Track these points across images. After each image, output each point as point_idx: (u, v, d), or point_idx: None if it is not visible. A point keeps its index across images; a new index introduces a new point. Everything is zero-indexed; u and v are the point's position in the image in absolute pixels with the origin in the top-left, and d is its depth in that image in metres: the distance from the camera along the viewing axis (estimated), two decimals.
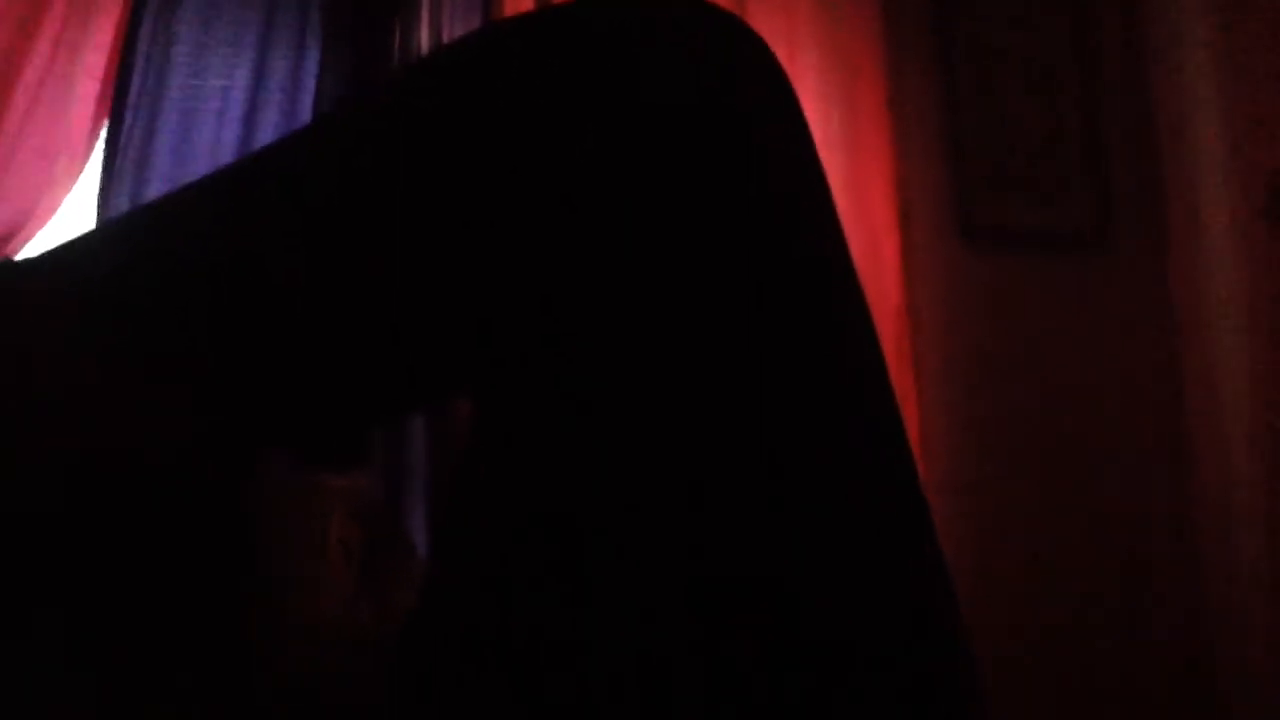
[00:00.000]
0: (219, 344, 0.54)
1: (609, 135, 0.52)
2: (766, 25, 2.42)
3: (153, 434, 0.53)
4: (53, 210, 2.27)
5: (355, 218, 0.54)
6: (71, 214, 2.33)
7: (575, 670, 0.45)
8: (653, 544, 0.46)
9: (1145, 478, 2.33)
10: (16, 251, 2.21)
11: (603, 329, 0.49)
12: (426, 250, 0.53)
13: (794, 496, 0.48)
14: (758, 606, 0.46)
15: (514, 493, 0.50)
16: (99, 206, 2.24)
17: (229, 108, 2.34)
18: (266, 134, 2.33)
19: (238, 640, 0.57)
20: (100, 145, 2.30)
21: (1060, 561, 2.29)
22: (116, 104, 2.30)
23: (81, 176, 2.30)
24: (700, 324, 0.50)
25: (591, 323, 0.50)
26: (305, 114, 2.34)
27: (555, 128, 0.52)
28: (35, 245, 2.25)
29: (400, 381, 0.59)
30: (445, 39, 2.39)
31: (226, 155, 2.30)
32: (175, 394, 0.53)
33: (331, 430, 0.64)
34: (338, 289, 0.54)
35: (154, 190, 2.25)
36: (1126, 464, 2.34)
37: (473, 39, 0.61)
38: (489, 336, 0.53)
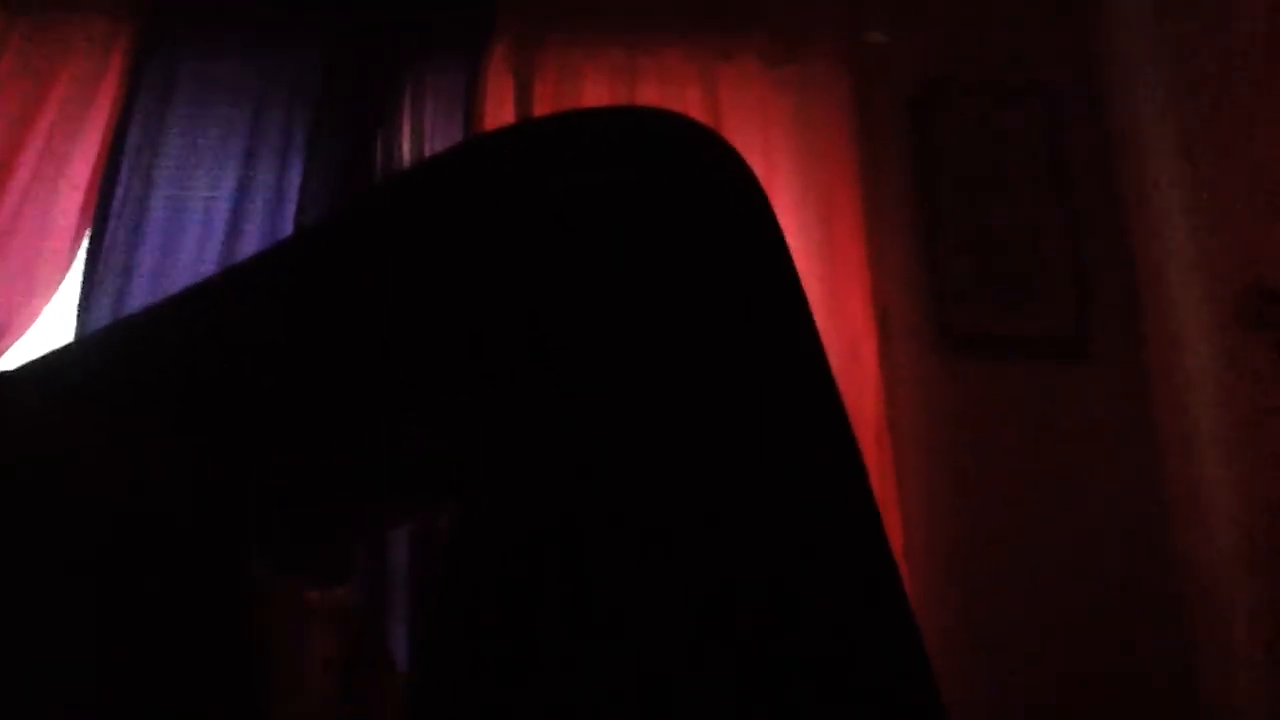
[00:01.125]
0: (204, 451, 0.54)
1: (596, 252, 0.53)
2: (742, 138, 2.48)
3: (142, 539, 0.53)
4: (34, 318, 2.27)
5: (343, 327, 0.54)
6: (51, 322, 2.33)
7: None
8: (651, 618, 0.46)
9: (1130, 586, 2.32)
10: None
11: (599, 440, 0.50)
12: (413, 364, 0.54)
13: (780, 565, 0.48)
14: (749, 666, 0.46)
15: (496, 588, 0.50)
16: (79, 314, 2.24)
17: (213, 218, 2.36)
18: (250, 244, 2.34)
19: None
20: (82, 254, 2.31)
21: (1044, 668, 2.26)
22: (100, 213, 2.32)
23: (62, 285, 2.31)
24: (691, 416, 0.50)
25: (586, 433, 0.50)
26: (288, 224, 2.37)
27: (544, 246, 0.53)
28: (15, 353, 2.25)
29: (385, 489, 0.59)
30: (427, 151, 2.43)
31: (210, 265, 2.31)
32: (164, 501, 0.53)
33: (313, 541, 0.64)
34: (322, 397, 0.55)
35: (136, 299, 2.25)
36: (1110, 572, 2.33)
37: (461, 151, 0.62)
38: (476, 445, 0.53)
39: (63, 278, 2.31)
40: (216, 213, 2.37)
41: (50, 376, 0.58)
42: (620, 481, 0.48)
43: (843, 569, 0.50)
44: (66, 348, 0.61)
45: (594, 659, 0.46)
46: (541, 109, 2.48)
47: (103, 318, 2.23)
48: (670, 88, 2.56)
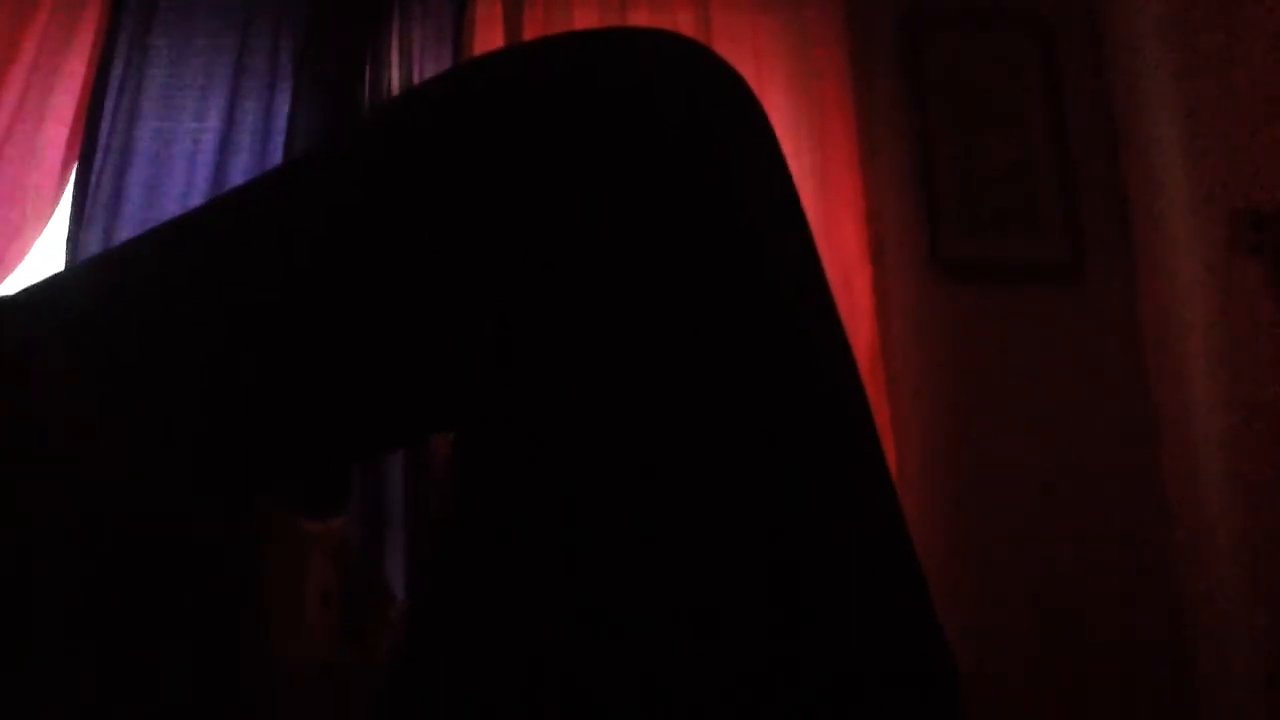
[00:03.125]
0: (202, 380, 0.54)
1: (591, 169, 0.52)
2: (734, 63, 2.45)
3: (142, 472, 0.53)
4: (23, 254, 2.25)
5: (336, 251, 0.54)
6: (41, 258, 2.32)
7: (568, 709, 0.45)
8: (645, 584, 0.47)
9: (1119, 503, 2.35)
10: None
11: (591, 360, 0.50)
12: (410, 283, 0.53)
13: (778, 522, 0.48)
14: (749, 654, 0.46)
15: (499, 533, 0.50)
16: (68, 250, 2.23)
17: (200, 150, 2.34)
18: (238, 176, 2.32)
19: (224, 683, 0.56)
20: (69, 189, 2.30)
21: (1034, 586, 2.29)
22: (86, 148, 2.29)
23: (51, 220, 2.29)
24: (679, 357, 0.50)
25: (578, 355, 0.50)
26: (277, 155, 2.34)
27: (538, 160, 0.53)
28: (6, 286, 2.24)
29: (384, 414, 0.58)
30: (415, 79, 2.40)
31: (198, 198, 2.29)
32: (161, 432, 0.53)
33: (313, 470, 0.64)
34: (319, 323, 0.54)
35: (125, 234, 2.24)
36: (1100, 492, 2.36)
37: (451, 75, 0.61)
38: (477, 369, 0.53)
39: (51, 212, 2.29)
40: (204, 144, 2.34)
41: (43, 307, 0.58)
42: (617, 407, 0.48)
43: (841, 522, 0.50)
44: (59, 276, 0.61)
45: (590, 598, 0.46)
46: (531, 34, 2.45)
47: (92, 251, 2.21)
48: (662, 13, 2.52)
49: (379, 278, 0.53)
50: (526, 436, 0.50)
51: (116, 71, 2.35)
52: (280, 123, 2.37)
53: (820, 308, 0.56)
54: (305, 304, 0.54)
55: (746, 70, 2.46)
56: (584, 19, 2.49)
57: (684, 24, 2.51)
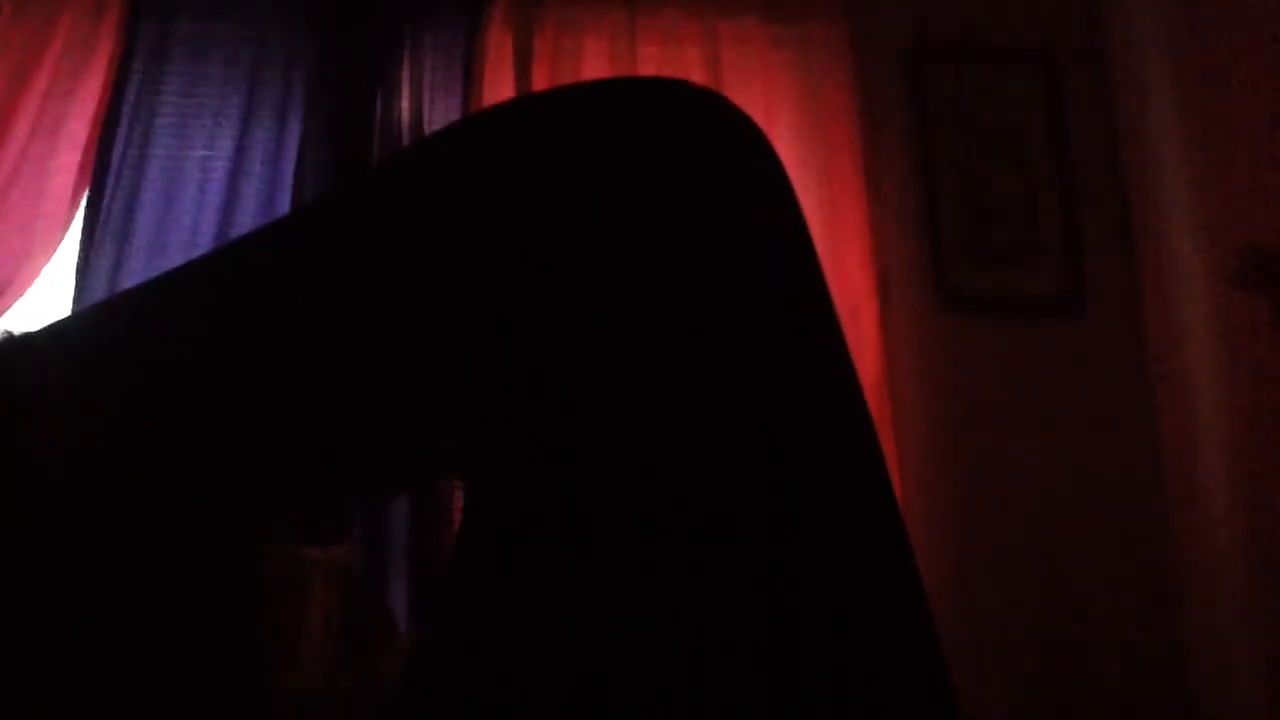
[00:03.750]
0: (209, 413, 0.54)
1: (609, 211, 0.53)
2: (743, 98, 2.46)
3: (148, 497, 0.53)
4: (33, 277, 2.27)
5: (346, 291, 0.54)
6: (51, 281, 2.34)
7: None
8: (648, 621, 0.47)
9: (1123, 538, 2.33)
10: None
11: (604, 401, 0.50)
12: (421, 324, 0.54)
13: (778, 522, 0.48)
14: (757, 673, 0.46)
15: (505, 572, 0.50)
16: (79, 273, 2.24)
17: (211, 177, 2.35)
18: (249, 203, 2.34)
19: (224, 709, 0.56)
20: (80, 214, 2.31)
21: (1037, 618, 2.28)
22: (98, 173, 2.31)
23: (62, 244, 2.30)
24: (693, 387, 0.50)
25: (592, 397, 0.50)
26: (287, 183, 2.36)
27: (559, 203, 0.53)
28: (16, 312, 2.25)
29: (390, 461, 0.59)
30: (425, 111, 2.42)
31: (208, 224, 2.31)
32: (170, 460, 0.53)
33: (318, 503, 0.64)
34: (324, 362, 0.55)
35: (135, 259, 2.25)
36: (1104, 525, 2.35)
37: (478, 120, 0.62)
38: (486, 410, 0.53)
39: (62, 237, 2.31)
40: (214, 172, 2.36)
41: (61, 345, 0.58)
42: (621, 452, 0.49)
43: (843, 535, 0.50)
44: (77, 316, 0.61)
45: (598, 633, 0.46)
46: (541, 68, 2.46)
47: (102, 276, 2.23)
48: (671, 46, 2.54)
49: (391, 317, 0.54)
50: (531, 438, 0.50)
51: (130, 98, 2.37)
52: (291, 151, 2.39)
53: (826, 323, 0.56)
54: (323, 351, 0.54)
55: (755, 104, 2.48)
56: (594, 52, 2.51)
57: (693, 58, 2.52)
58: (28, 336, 0.58)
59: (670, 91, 0.60)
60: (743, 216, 0.54)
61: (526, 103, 0.60)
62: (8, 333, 0.58)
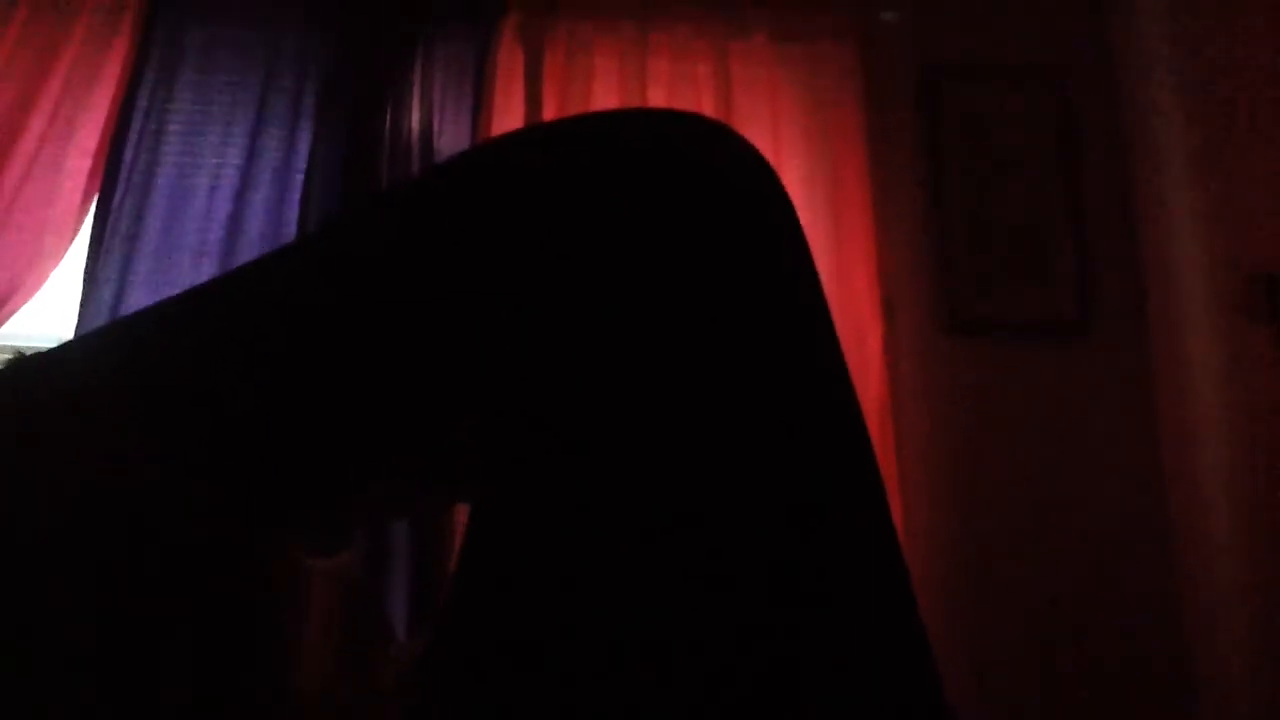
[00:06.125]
0: (219, 434, 0.55)
1: (619, 244, 0.53)
2: (751, 115, 2.48)
3: (160, 512, 0.53)
4: (41, 282, 2.27)
5: (353, 333, 0.55)
6: (58, 286, 2.34)
7: None
8: (655, 647, 0.47)
9: (1128, 562, 2.33)
10: (2, 321, 2.21)
11: (613, 429, 0.50)
12: (433, 351, 0.54)
13: (790, 581, 0.48)
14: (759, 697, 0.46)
15: (512, 591, 0.50)
16: (86, 279, 2.24)
17: (220, 185, 2.36)
18: (258, 211, 2.35)
19: (224, 710, 0.56)
20: (89, 220, 2.32)
21: (1041, 640, 2.27)
22: (107, 180, 2.32)
23: (70, 249, 2.31)
24: (702, 418, 0.50)
25: (601, 424, 0.50)
26: (296, 192, 2.36)
27: (569, 235, 0.54)
28: (23, 316, 2.26)
29: (397, 484, 0.59)
30: (435, 122, 2.43)
31: (216, 232, 2.31)
32: (180, 478, 0.54)
33: (325, 521, 0.64)
34: (335, 391, 0.55)
35: (142, 265, 2.26)
36: (1109, 549, 2.34)
37: (496, 145, 0.62)
38: (491, 436, 0.53)
39: (70, 243, 2.32)
40: (224, 180, 2.37)
41: (59, 372, 0.58)
42: (629, 472, 0.49)
43: (847, 559, 0.50)
44: (77, 342, 0.62)
45: (603, 649, 0.46)
46: (552, 83, 2.47)
47: (109, 283, 2.23)
48: (681, 63, 2.55)
49: (404, 343, 0.54)
50: (548, 506, 0.50)
51: (141, 105, 2.38)
52: (301, 161, 2.40)
53: (836, 355, 0.57)
54: (325, 382, 0.55)
55: (763, 121, 2.48)
56: (604, 68, 2.51)
57: (702, 76, 2.53)
58: (25, 360, 0.58)
59: (707, 122, 0.61)
60: (770, 226, 0.55)
61: (569, 121, 0.61)
62: (20, 355, 0.59)
